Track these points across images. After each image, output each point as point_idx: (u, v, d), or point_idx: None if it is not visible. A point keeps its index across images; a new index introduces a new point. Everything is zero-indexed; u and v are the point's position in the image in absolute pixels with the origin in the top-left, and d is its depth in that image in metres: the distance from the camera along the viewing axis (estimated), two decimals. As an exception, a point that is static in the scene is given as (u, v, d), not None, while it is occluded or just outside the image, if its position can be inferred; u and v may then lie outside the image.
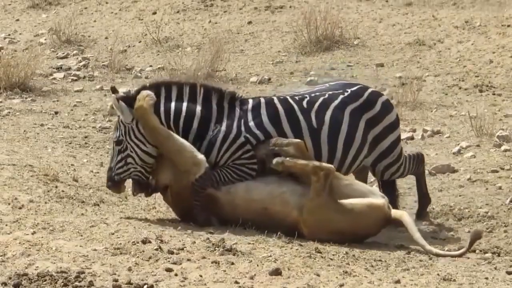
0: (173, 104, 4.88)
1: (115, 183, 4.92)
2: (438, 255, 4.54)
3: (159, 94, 4.90)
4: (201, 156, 4.79)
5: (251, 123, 4.85)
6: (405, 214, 4.74)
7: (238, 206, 4.71)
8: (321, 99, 4.96)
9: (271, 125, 4.86)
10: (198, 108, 4.87)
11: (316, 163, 4.65)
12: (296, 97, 4.99)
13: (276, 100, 4.96)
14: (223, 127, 4.85)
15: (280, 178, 4.74)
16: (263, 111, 4.89)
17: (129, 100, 4.91)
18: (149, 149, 4.90)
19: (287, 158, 4.64)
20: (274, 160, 4.66)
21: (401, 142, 5.16)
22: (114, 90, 4.97)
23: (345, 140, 4.90)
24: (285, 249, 4.30)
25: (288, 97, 5.00)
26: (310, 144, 4.85)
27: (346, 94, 4.99)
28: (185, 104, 4.87)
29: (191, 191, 4.75)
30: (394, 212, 4.73)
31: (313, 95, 5.01)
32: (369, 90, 5.06)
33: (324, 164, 4.65)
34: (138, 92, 4.91)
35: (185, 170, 4.82)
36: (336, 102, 4.95)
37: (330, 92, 5.01)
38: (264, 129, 4.85)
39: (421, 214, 5.27)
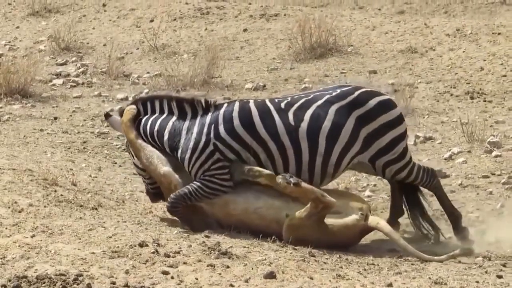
0: (151, 119, 4.97)
1: (147, 193, 5.17)
2: (424, 259, 4.59)
3: (146, 109, 5.01)
4: (164, 169, 4.83)
5: (221, 128, 4.78)
6: (380, 222, 4.73)
7: (219, 217, 4.78)
8: (303, 99, 4.88)
9: (243, 129, 4.77)
10: (172, 120, 4.91)
11: (319, 194, 4.57)
12: (276, 100, 4.93)
13: (251, 103, 4.87)
14: (194, 135, 4.81)
15: (258, 190, 4.72)
16: (235, 114, 4.80)
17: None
18: (136, 161, 5.05)
19: (291, 183, 4.54)
20: (280, 181, 4.57)
21: (405, 143, 4.99)
22: (107, 116, 5.12)
23: (328, 136, 4.79)
24: (280, 252, 4.36)
25: (266, 100, 4.94)
26: (288, 142, 4.77)
27: (334, 94, 4.89)
28: (161, 118, 4.94)
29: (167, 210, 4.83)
30: (371, 220, 4.72)
31: (296, 97, 4.95)
32: (362, 90, 4.95)
33: (328, 198, 4.58)
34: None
35: (159, 181, 4.93)
36: (320, 101, 4.85)
37: (318, 93, 4.94)
38: (235, 134, 4.77)
39: (457, 229, 5.03)
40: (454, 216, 5.08)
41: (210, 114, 4.84)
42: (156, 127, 4.93)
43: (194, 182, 4.80)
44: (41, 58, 9.43)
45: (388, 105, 4.95)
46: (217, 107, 4.88)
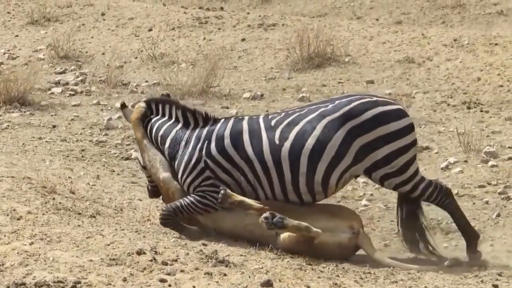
0: (159, 122, 5.01)
1: (147, 188, 5.23)
2: (419, 270, 4.58)
3: (158, 110, 5.05)
4: (164, 174, 4.87)
5: (212, 145, 4.76)
6: (365, 242, 4.70)
7: (212, 228, 4.83)
8: (295, 115, 4.76)
9: (233, 148, 4.74)
10: (176, 128, 4.93)
11: (304, 230, 4.53)
12: (270, 116, 4.85)
13: (244, 121, 4.81)
14: (189, 149, 4.82)
15: None
16: (227, 132, 4.76)
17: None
18: (139, 155, 5.13)
19: (275, 228, 4.51)
20: (264, 225, 4.51)
21: (408, 156, 4.70)
22: (123, 106, 5.22)
23: (310, 154, 4.64)
24: (277, 261, 4.39)
25: (260, 116, 4.87)
26: (271, 162, 4.69)
27: (329, 106, 4.73)
28: (168, 123, 4.97)
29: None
30: (360, 239, 4.70)
31: (290, 112, 4.83)
32: (362, 100, 4.71)
33: (313, 231, 4.54)
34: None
35: (158, 185, 4.98)
36: (311, 116, 4.72)
37: (313, 107, 4.78)
38: (225, 153, 4.75)
39: (470, 251, 4.80)
40: (469, 236, 4.83)
41: (207, 128, 4.84)
42: (161, 132, 4.98)
43: (188, 196, 4.82)
44: (40, 67, 9.47)
45: (388, 116, 4.69)
46: (215, 121, 4.87)
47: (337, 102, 4.76)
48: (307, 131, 4.69)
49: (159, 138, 4.98)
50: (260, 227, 4.64)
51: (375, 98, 4.83)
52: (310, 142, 4.66)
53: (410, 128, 4.74)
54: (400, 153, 4.69)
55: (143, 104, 5.07)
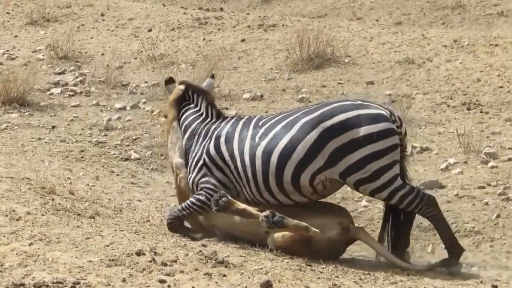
0: (191, 111, 5.04)
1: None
2: (404, 267, 4.60)
3: (193, 98, 5.07)
4: (177, 160, 4.92)
5: (211, 143, 4.82)
6: (361, 232, 4.71)
7: (205, 226, 4.87)
8: (283, 115, 4.77)
9: (225, 145, 4.78)
10: (197, 121, 4.99)
11: (303, 230, 4.53)
12: (264, 115, 4.90)
13: (242, 120, 4.85)
14: (198, 146, 4.88)
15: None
16: (224, 131, 4.81)
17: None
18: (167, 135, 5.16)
19: (274, 227, 4.52)
20: (264, 224, 4.50)
21: (382, 163, 4.54)
22: (171, 81, 5.20)
23: (281, 153, 4.61)
24: (276, 262, 4.39)
25: (257, 116, 4.89)
26: (248, 160, 4.70)
27: (313, 107, 4.70)
28: (194, 115, 5.01)
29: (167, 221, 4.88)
30: (353, 231, 4.69)
31: (283, 112, 4.86)
32: (342, 103, 4.64)
33: (312, 231, 4.55)
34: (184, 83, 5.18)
35: (171, 167, 5.05)
36: (294, 116, 4.70)
37: (302, 108, 4.81)
38: (219, 151, 4.79)
39: (450, 264, 4.63)
40: (452, 250, 4.65)
41: (214, 126, 4.90)
42: (186, 122, 5.03)
43: (189, 199, 4.84)
44: (39, 67, 9.48)
45: (363, 118, 4.53)
46: (224, 119, 4.93)
47: (322, 104, 4.74)
48: (284, 131, 4.67)
49: (183, 127, 5.02)
50: (252, 226, 4.65)
51: (359, 102, 4.69)
52: (284, 141, 4.64)
53: (386, 133, 4.55)
54: (373, 158, 4.52)
55: (182, 87, 5.11)
